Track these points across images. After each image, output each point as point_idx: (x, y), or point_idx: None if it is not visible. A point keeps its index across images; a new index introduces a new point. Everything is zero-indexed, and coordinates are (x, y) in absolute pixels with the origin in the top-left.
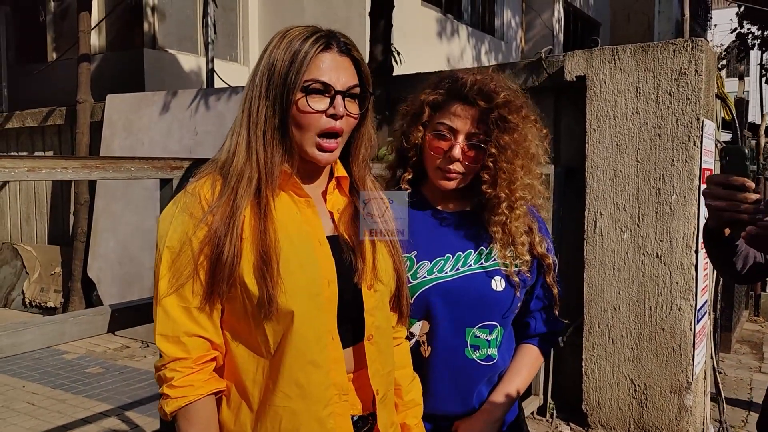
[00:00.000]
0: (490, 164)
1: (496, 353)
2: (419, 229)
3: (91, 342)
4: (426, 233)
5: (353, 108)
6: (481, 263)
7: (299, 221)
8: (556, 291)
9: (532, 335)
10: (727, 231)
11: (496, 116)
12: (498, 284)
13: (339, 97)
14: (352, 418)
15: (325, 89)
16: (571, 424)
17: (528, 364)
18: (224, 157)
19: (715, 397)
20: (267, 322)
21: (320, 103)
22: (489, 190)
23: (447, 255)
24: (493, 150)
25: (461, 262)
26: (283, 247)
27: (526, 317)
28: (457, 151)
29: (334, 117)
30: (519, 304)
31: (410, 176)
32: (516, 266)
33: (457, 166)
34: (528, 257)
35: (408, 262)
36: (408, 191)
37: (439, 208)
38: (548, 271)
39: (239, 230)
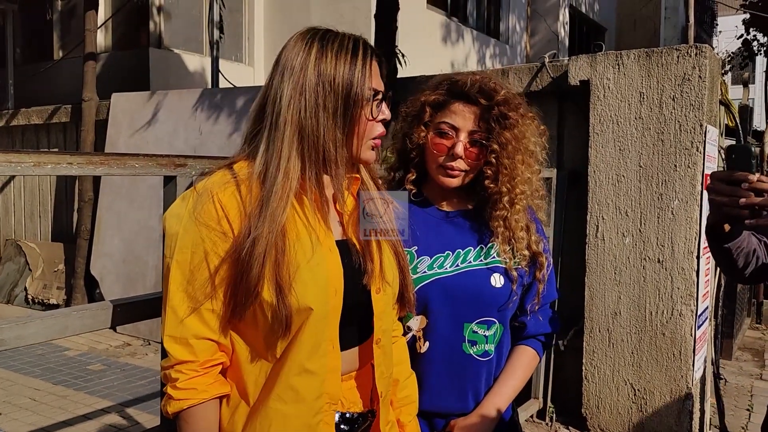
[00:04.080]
0: (493, 160)
1: (493, 349)
2: (420, 226)
3: (93, 339)
4: (426, 231)
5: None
6: (481, 260)
7: (312, 228)
8: (549, 292)
9: (528, 336)
10: (726, 227)
11: (497, 113)
12: (497, 281)
13: (383, 103)
14: (353, 416)
15: (376, 96)
16: (570, 428)
17: (524, 365)
18: (260, 168)
19: (716, 404)
20: (277, 334)
21: (376, 110)
22: (491, 185)
23: (447, 252)
24: (495, 146)
25: (461, 258)
26: (299, 259)
27: (521, 317)
28: (459, 149)
29: (383, 122)
30: (516, 299)
31: (413, 177)
32: (516, 262)
33: (459, 164)
34: (526, 252)
35: (408, 256)
36: (413, 191)
37: (439, 207)
38: (540, 268)
39: (271, 252)
